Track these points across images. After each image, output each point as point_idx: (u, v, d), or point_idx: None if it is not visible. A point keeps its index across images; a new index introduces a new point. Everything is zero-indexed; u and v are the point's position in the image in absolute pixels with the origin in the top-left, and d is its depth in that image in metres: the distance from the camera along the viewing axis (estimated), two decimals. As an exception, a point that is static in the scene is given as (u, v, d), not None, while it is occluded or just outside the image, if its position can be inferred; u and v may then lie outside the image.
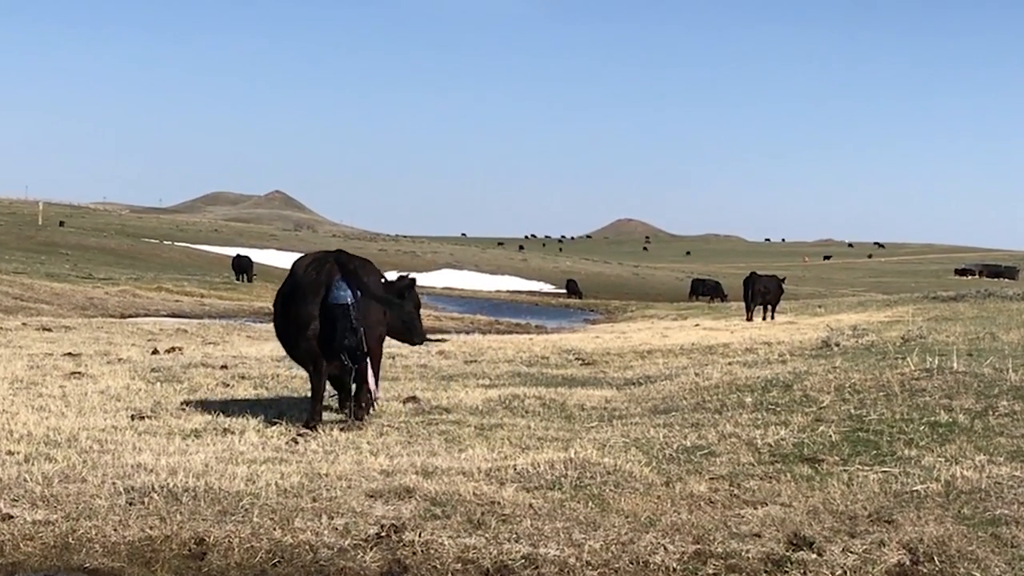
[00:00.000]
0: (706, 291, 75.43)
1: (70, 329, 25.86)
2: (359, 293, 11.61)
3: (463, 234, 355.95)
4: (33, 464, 9.08)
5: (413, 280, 13.71)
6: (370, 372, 11.86)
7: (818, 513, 8.02)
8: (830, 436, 10.46)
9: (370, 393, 12.03)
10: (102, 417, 11.70)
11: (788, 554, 7.13)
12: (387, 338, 12.75)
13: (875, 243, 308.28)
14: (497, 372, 17.66)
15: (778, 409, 12.08)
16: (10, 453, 9.51)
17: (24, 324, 26.55)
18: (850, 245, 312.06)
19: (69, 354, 18.41)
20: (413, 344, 13.93)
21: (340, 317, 11.52)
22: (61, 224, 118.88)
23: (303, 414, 12.07)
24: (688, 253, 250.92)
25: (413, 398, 13.57)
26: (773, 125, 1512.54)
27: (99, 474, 8.82)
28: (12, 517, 7.76)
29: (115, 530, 7.60)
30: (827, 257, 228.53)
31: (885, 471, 9.13)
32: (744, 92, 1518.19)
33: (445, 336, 26.91)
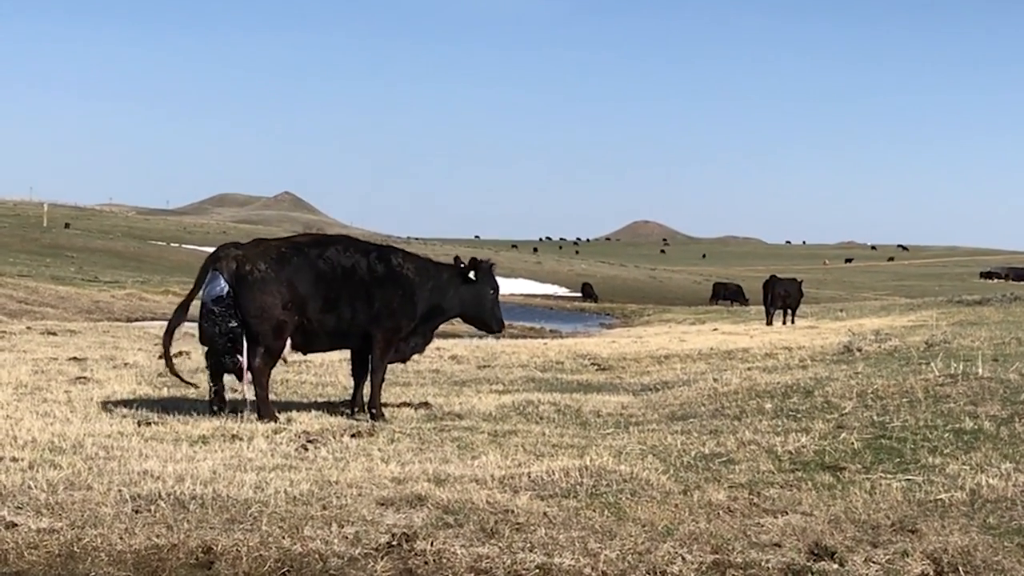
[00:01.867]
0: (728, 295, 75.38)
1: (75, 333, 25.93)
2: (218, 290, 12.07)
3: (476, 236, 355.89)
4: (37, 471, 9.09)
5: (491, 264, 13.74)
6: (245, 365, 12.15)
7: (840, 522, 8.00)
8: (852, 443, 10.43)
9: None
10: (108, 423, 11.72)
11: (809, 564, 7.12)
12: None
13: (898, 245, 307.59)
14: (511, 377, 17.67)
15: (799, 416, 12.06)
16: (14, 459, 9.52)
17: (29, 328, 26.63)
18: (872, 247, 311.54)
19: (74, 359, 18.45)
20: (491, 332, 14.05)
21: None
22: (66, 226, 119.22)
23: (313, 420, 12.11)
24: (704, 256, 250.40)
25: (425, 404, 13.58)
26: (794, 125, 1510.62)
27: (105, 481, 8.83)
28: (16, 525, 7.77)
29: (121, 538, 7.60)
30: (848, 260, 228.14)
31: (908, 479, 9.11)
32: (764, 92, 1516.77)
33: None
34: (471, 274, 13.31)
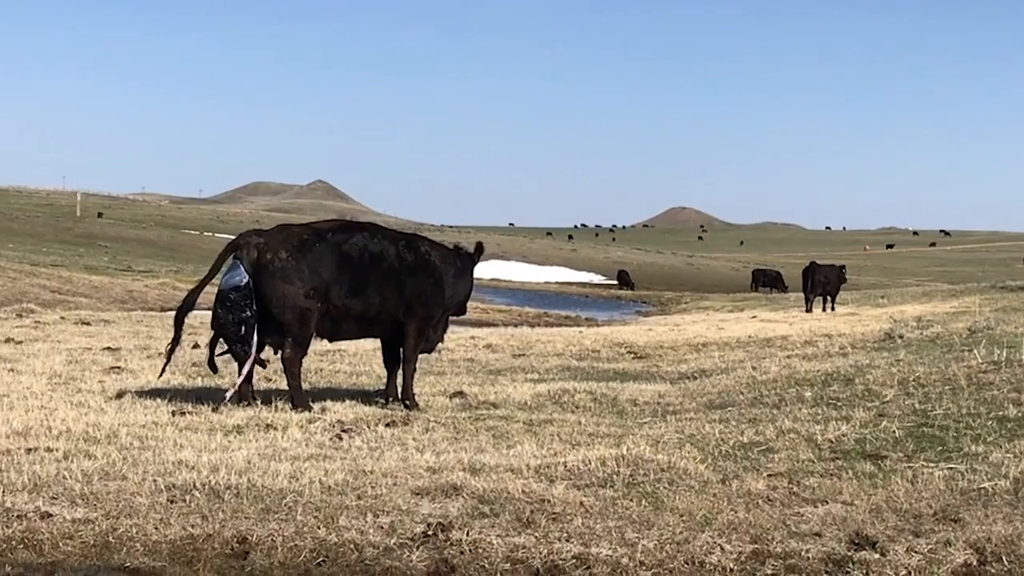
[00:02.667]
0: (767, 281, 75.18)
1: (109, 323, 26.10)
2: (235, 278, 12.05)
3: (511, 224, 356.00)
4: (72, 461, 9.16)
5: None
6: (249, 359, 12.24)
7: (881, 512, 7.98)
8: (893, 432, 10.39)
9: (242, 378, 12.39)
10: (142, 413, 11.78)
11: (850, 554, 7.10)
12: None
13: (940, 231, 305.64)
14: (546, 366, 17.68)
15: (839, 404, 12.01)
16: (49, 450, 9.59)
17: (62, 318, 26.81)
18: (914, 233, 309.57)
19: (108, 348, 18.58)
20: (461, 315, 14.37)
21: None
22: (99, 215, 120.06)
23: (347, 410, 12.16)
24: (741, 243, 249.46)
25: (460, 393, 13.60)
26: (834, 110, 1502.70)
27: (139, 471, 8.89)
28: (51, 515, 7.84)
29: (156, 528, 7.66)
30: (890, 246, 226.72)
31: (951, 468, 9.06)
32: (803, 77, 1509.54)
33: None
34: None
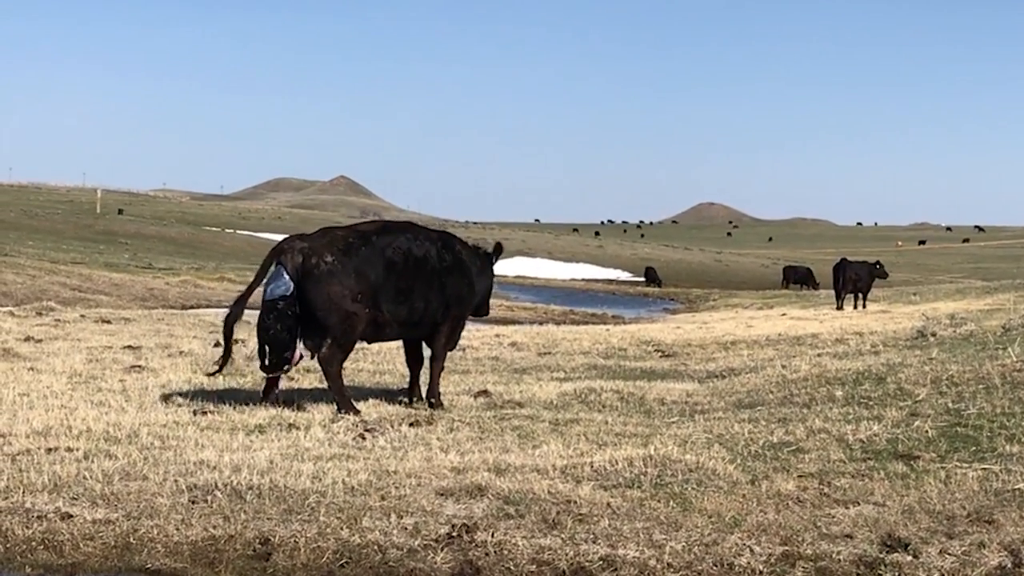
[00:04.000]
0: (798, 278, 75.07)
1: (130, 321, 26.19)
2: (279, 287, 11.96)
3: (536, 220, 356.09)
4: (93, 461, 9.20)
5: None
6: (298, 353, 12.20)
7: (914, 513, 7.95)
8: (926, 431, 10.35)
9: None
10: (163, 412, 11.83)
11: (882, 556, 7.07)
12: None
13: (975, 226, 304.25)
14: (572, 365, 17.67)
15: (871, 403, 11.98)
16: (69, 450, 9.64)
17: (82, 316, 26.91)
18: (948, 228, 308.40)
19: (129, 347, 18.65)
20: (481, 316, 14.22)
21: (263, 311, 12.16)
22: (120, 212, 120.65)
23: (370, 409, 12.18)
24: (770, 239, 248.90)
25: (485, 392, 13.61)
26: (865, 104, 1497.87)
27: (160, 471, 8.93)
28: (72, 516, 7.87)
29: (177, 529, 7.68)
30: (922, 242, 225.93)
31: (985, 468, 9.02)
32: (834, 71, 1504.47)
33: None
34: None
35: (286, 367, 12.28)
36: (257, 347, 12.44)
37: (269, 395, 12.47)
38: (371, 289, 12.07)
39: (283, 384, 12.77)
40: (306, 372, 15.45)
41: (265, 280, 12.26)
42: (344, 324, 12.02)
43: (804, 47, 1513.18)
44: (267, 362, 12.21)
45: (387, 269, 12.18)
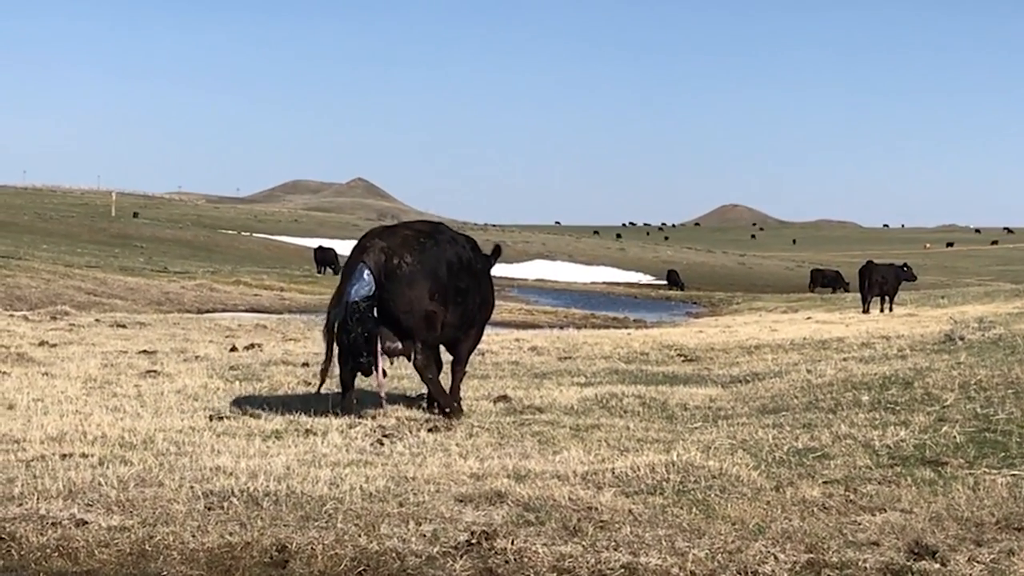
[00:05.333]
0: (827, 281, 75.02)
1: (145, 325, 26.31)
2: (364, 287, 11.77)
3: (556, 222, 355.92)
4: (108, 467, 9.23)
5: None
6: (382, 365, 12.05)
7: (941, 520, 7.93)
8: (954, 437, 10.32)
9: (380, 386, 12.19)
10: (179, 418, 11.87)
11: (909, 564, 7.06)
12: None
13: (1004, 228, 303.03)
14: (593, 369, 17.66)
15: (897, 408, 11.95)
16: (84, 456, 9.68)
17: (97, 320, 27.05)
18: (976, 230, 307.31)
19: (144, 352, 18.72)
20: None
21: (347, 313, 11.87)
22: (135, 215, 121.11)
23: (388, 414, 12.20)
24: (795, 242, 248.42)
25: (504, 397, 13.60)
26: (890, 104, 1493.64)
27: (176, 477, 8.95)
28: (87, 523, 7.90)
29: (193, 536, 7.70)
30: (950, 244, 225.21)
31: (1014, 474, 9.00)
32: (856, 72, 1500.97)
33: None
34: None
35: (365, 372, 12.08)
36: (326, 353, 12.27)
37: (346, 403, 12.25)
38: (443, 290, 12.10)
39: (296, 389, 12.74)
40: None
41: (350, 282, 11.97)
42: (427, 325, 12.01)
43: (830, 48, 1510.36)
44: (350, 367, 12.06)
45: (449, 270, 12.22)
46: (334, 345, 12.14)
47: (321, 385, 12.48)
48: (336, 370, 12.31)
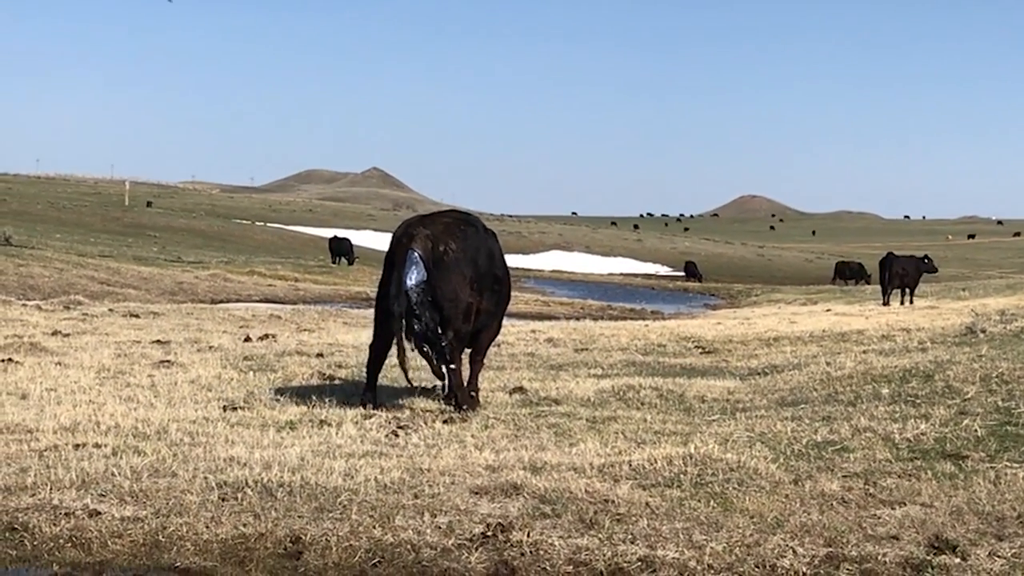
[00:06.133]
0: (851, 274, 75.07)
1: (158, 315, 26.36)
2: (419, 274, 11.63)
3: (573, 213, 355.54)
4: (121, 457, 9.26)
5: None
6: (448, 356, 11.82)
7: (962, 514, 7.91)
8: (975, 430, 10.29)
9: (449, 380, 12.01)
10: (193, 408, 11.90)
11: (929, 558, 7.04)
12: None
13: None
14: (610, 361, 17.66)
15: (918, 401, 11.92)
16: (97, 446, 9.71)
17: (110, 310, 27.11)
18: (999, 222, 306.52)
19: (158, 342, 18.76)
20: None
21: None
22: (148, 205, 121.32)
23: (403, 405, 12.21)
24: (814, 233, 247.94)
25: (520, 388, 13.61)
26: (911, 93, 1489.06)
27: (190, 468, 8.98)
28: (99, 513, 7.93)
29: (207, 527, 7.73)
30: (971, 236, 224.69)
31: (1036, 469, 8.97)
32: (877, 60, 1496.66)
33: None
34: None
35: (437, 360, 11.82)
36: (397, 345, 11.84)
37: (458, 393, 12.04)
38: (480, 278, 12.07)
39: (311, 380, 12.75)
40: (337, 368, 15.52)
41: (403, 269, 11.74)
42: (465, 316, 11.95)
43: (850, 37, 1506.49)
44: (435, 361, 11.79)
45: (487, 258, 12.25)
46: (402, 335, 11.82)
47: (408, 378, 12.05)
48: (368, 355, 12.29)
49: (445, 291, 11.76)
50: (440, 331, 11.71)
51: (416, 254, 11.72)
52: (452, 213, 12.80)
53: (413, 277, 11.66)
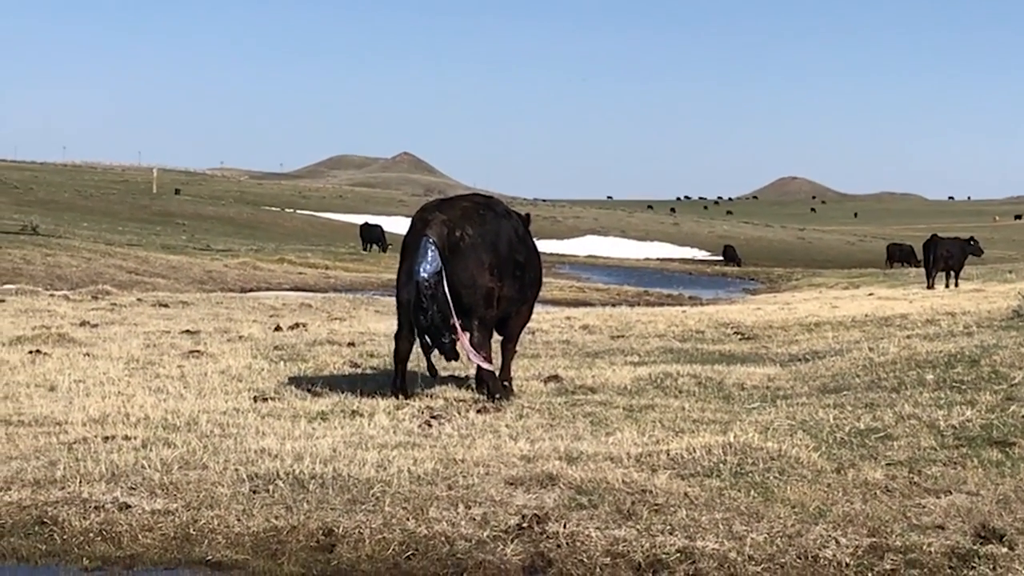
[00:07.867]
0: (903, 256, 74.91)
1: (188, 305, 26.45)
2: (431, 263, 11.57)
3: (609, 197, 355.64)
4: (151, 450, 9.31)
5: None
6: (464, 340, 11.77)
7: (1009, 502, 7.88)
8: (1023, 417, 10.24)
9: (484, 367, 12.01)
10: (223, 399, 11.95)
11: (975, 548, 7.02)
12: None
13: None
14: (647, 348, 17.63)
15: (963, 387, 11.86)
16: (127, 438, 9.75)
17: (139, 300, 27.22)
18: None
19: (187, 331, 18.83)
20: None
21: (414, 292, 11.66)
22: (177, 192, 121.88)
23: (437, 395, 12.22)
24: (856, 215, 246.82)
25: (555, 377, 13.60)
26: (953, 70, 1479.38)
27: (221, 460, 9.01)
28: (130, 506, 7.97)
29: (238, 520, 7.76)
30: (1018, 216, 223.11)
31: (1086, 456, 8.91)
32: (921, 38, 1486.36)
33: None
34: None
35: (449, 355, 11.84)
36: (419, 338, 11.92)
37: (489, 382, 12.09)
38: (501, 264, 12.02)
39: (343, 369, 12.75)
40: (369, 357, 15.56)
41: (415, 258, 11.75)
42: (486, 302, 11.91)
43: (892, 16, 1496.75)
44: (440, 352, 11.82)
45: (508, 243, 12.19)
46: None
47: (432, 368, 12.10)
48: (394, 345, 12.31)
49: (462, 277, 11.73)
50: (449, 324, 11.65)
51: (430, 242, 11.69)
52: (473, 197, 12.76)
53: (426, 268, 11.63)
